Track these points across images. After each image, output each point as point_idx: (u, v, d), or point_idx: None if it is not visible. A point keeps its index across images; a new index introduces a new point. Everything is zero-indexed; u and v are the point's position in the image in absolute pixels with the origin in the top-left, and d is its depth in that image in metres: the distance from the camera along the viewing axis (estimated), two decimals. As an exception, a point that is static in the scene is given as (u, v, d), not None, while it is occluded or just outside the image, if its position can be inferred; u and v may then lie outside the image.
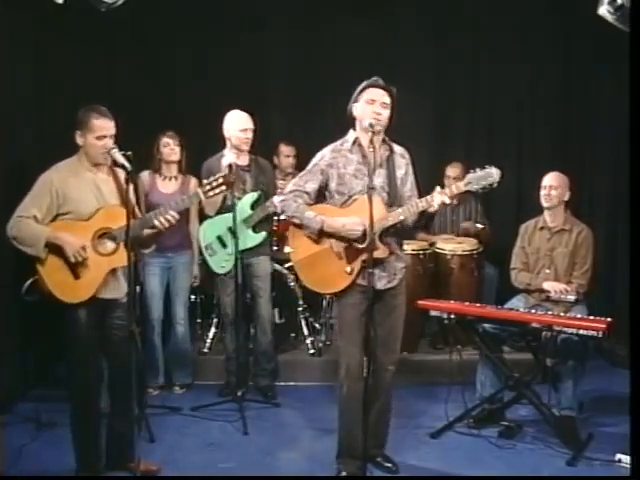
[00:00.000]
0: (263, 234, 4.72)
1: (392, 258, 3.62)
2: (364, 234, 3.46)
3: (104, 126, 3.47)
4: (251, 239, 4.70)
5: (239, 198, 4.67)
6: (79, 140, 3.51)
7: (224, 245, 4.76)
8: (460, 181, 5.39)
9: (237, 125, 4.68)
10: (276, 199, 4.26)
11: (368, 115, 3.49)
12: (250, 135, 4.70)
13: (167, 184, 4.86)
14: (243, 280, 4.77)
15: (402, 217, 3.48)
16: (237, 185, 4.66)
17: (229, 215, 4.51)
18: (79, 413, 3.59)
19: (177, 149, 4.83)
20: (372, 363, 3.55)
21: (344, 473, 3.63)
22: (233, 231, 4.47)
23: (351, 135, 3.61)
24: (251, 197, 4.70)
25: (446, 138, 6.35)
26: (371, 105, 3.50)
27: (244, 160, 4.75)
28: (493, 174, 3.42)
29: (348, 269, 3.54)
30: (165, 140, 4.82)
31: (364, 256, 3.47)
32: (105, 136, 3.46)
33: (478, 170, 3.45)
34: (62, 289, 3.46)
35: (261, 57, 6.16)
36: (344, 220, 3.50)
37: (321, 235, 3.57)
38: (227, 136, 4.72)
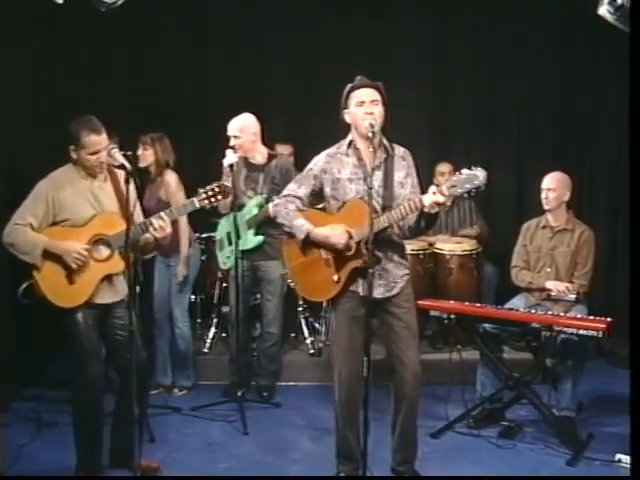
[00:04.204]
0: (260, 238, 4.68)
1: (390, 266, 3.49)
2: (349, 243, 3.40)
3: (96, 142, 3.46)
4: (249, 241, 4.68)
5: (250, 198, 4.68)
6: (73, 154, 3.51)
7: (230, 242, 4.78)
8: (445, 177, 5.42)
9: (229, 131, 4.65)
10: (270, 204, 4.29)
11: (361, 117, 3.38)
12: (237, 142, 4.61)
13: (145, 189, 4.76)
14: (252, 281, 4.79)
15: (386, 224, 3.36)
16: (249, 185, 4.67)
17: (238, 214, 4.54)
18: (80, 413, 3.59)
19: (146, 153, 4.75)
20: (393, 376, 3.53)
21: (343, 474, 3.63)
22: (235, 231, 4.48)
23: (348, 137, 3.52)
24: (257, 199, 4.67)
25: (446, 138, 6.35)
26: (361, 107, 3.39)
27: (260, 159, 4.72)
28: (478, 176, 3.21)
29: (335, 277, 3.46)
30: (139, 145, 4.74)
31: (352, 264, 3.42)
32: (98, 151, 3.47)
33: (464, 172, 3.24)
34: (56, 294, 3.47)
35: (261, 57, 6.16)
36: (327, 232, 3.41)
37: (307, 244, 3.51)
38: None
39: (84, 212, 3.51)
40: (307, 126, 6.10)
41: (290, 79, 6.23)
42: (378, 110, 3.40)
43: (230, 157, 4.48)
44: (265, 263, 4.75)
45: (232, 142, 4.61)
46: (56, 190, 3.48)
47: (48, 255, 3.45)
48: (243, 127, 4.64)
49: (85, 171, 3.55)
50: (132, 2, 4.58)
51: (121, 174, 3.43)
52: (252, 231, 4.68)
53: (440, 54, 6.22)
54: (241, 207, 4.60)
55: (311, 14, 5.99)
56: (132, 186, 3.40)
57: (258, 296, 5.08)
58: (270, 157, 4.74)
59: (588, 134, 6.01)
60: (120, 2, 4.45)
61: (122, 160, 3.28)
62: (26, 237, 3.43)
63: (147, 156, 4.76)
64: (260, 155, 4.73)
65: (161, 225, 3.52)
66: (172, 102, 6.05)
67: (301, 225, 3.47)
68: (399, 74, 6.00)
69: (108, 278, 3.56)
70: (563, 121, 6.11)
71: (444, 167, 5.66)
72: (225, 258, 4.85)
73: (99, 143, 3.47)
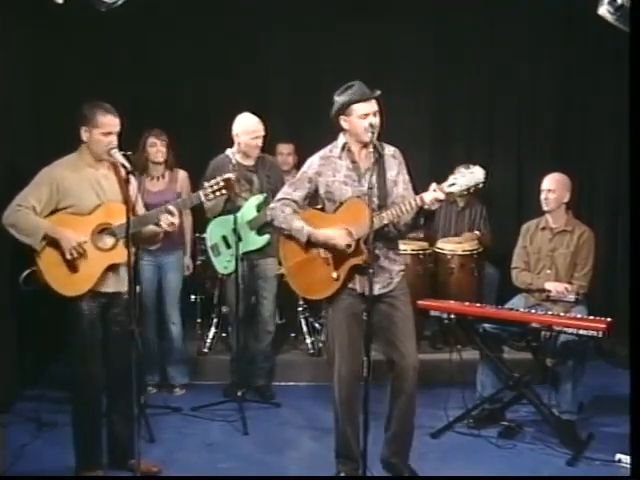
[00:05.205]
0: (266, 237, 4.68)
1: (386, 262, 3.54)
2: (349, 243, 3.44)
3: (110, 122, 3.49)
4: (254, 242, 4.68)
5: (246, 199, 4.67)
6: (84, 136, 3.52)
7: (228, 246, 4.73)
8: None
9: (248, 131, 4.63)
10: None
11: (364, 128, 3.39)
12: (260, 142, 4.67)
13: (155, 183, 4.84)
14: (248, 281, 4.78)
15: (386, 221, 3.40)
16: (243, 186, 4.67)
17: (235, 216, 4.53)
18: (80, 410, 3.60)
19: (164, 149, 4.80)
20: (391, 368, 3.55)
21: (342, 473, 3.64)
22: (236, 232, 4.47)
23: (340, 140, 3.56)
24: (257, 199, 4.67)
25: (446, 139, 6.34)
26: (364, 119, 3.41)
27: (250, 161, 4.73)
28: (477, 174, 3.29)
29: (334, 275, 3.49)
30: (152, 140, 4.78)
31: (351, 262, 3.45)
32: (111, 132, 3.49)
33: (462, 170, 3.32)
34: (60, 282, 3.47)
35: (261, 57, 6.16)
36: (330, 234, 3.45)
37: (308, 245, 3.54)
38: (237, 140, 4.67)
39: (89, 199, 3.52)
40: (307, 126, 6.09)
41: (290, 79, 6.23)
42: (378, 119, 3.45)
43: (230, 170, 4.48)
44: (263, 261, 4.76)
45: (259, 142, 4.65)
46: (61, 177, 3.49)
47: (50, 241, 3.44)
48: (262, 126, 4.67)
49: (92, 156, 3.54)
50: (132, 2, 4.57)
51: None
52: (254, 232, 4.67)
53: (440, 54, 6.21)
54: (237, 209, 4.59)
55: (311, 14, 5.99)
56: (132, 184, 3.43)
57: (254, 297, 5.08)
58: (257, 157, 4.75)
59: (588, 134, 6.01)
60: (120, 2, 4.44)
61: (122, 160, 3.31)
62: (28, 219, 3.42)
63: (164, 151, 4.81)
64: (250, 157, 4.74)
65: (171, 220, 3.56)
66: (172, 102, 6.05)
67: (301, 227, 3.50)
68: (399, 74, 6.01)
69: (112, 267, 3.57)
70: (563, 121, 6.11)
71: None
72: (226, 262, 4.74)
73: (113, 124, 3.50)
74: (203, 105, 6.11)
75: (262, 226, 4.65)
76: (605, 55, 5.71)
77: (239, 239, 4.51)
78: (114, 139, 3.48)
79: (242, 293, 4.63)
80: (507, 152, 6.22)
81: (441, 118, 6.36)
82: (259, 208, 4.66)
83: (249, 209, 4.67)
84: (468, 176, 3.29)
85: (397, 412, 3.57)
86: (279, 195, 3.66)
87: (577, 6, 5.35)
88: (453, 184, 3.31)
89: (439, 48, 6.20)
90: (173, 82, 6.08)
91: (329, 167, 3.54)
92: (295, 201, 3.57)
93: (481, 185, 3.31)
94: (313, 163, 3.59)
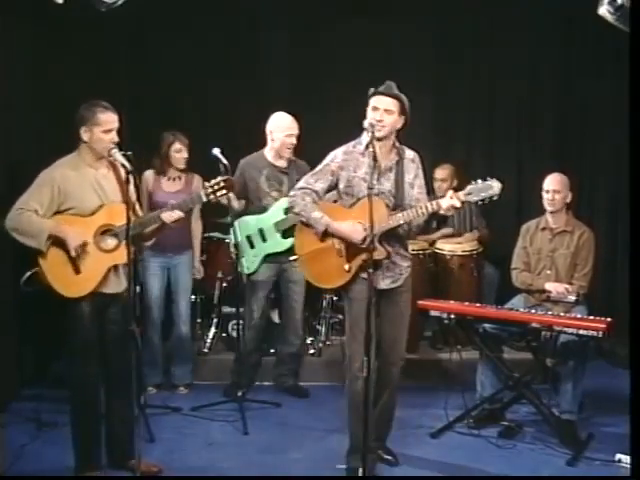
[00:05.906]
0: (291, 240, 4.65)
1: (398, 258, 3.70)
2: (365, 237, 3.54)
3: (110, 119, 3.50)
4: (278, 244, 4.68)
5: (275, 199, 4.69)
6: (84, 136, 3.51)
7: (252, 246, 4.74)
8: (446, 183, 5.53)
9: (284, 129, 4.64)
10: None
11: (369, 123, 3.54)
12: (294, 141, 4.67)
13: (171, 184, 4.87)
14: (277, 284, 4.82)
15: (402, 221, 3.55)
16: (273, 186, 4.69)
17: (262, 216, 4.58)
18: (79, 410, 3.60)
19: (187, 155, 4.84)
20: (378, 361, 3.70)
21: (360, 470, 3.62)
22: (234, 232, 4.46)
23: (364, 139, 3.64)
24: (285, 202, 4.68)
25: (446, 139, 6.34)
26: (374, 112, 3.56)
27: (282, 162, 4.73)
28: (494, 187, 3.48)
29: (347, 267, 3.63)
30: (178, 146, 4.81)
31: (364, 256, 3.53)
32: (112, 129, 3.49)
33: (479, 181, 3.50)
34: (62, 283, 3.47)
35: (261, 57, 6.16)
36: (348, 228, 3.58)
37: (325, 235, 3.66)
38: (270, 137, 4.68)
39: (90, 200, 3.52)
40: (307, 127, 6.09)
41: (290, 79, 6.23)
42: (390, 119, 3.57)
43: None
44: (291, 264, 4.72)
45: (293, 140, 4.66)
46: (62, 178, 3.48)
47: (54, 242, 3.44)
48: (297, 125, 4.67)
49: (93, 155, 3.54)
50: (132, 2, 4.57)
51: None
52: (279, 234, 4.67)
53: (440, 54, 6.21)
54: (264, 209, 4.60)
55: (311, 14, 5.98)
56: (132, 184, 3.43)
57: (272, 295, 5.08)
58: (290, 160, 4.75)
59: (588, 134, 6.01)
60: (120, 2, 4.45)
61: (122, 160, 3.31)
62: (31, 221, 3.41)
63: (187, 156, 4.85)
64: (283, 158, 4.74)
65: (173, 216, 3.60)
66: (172, 102, 6.05)
67: (320, 217, 3.62)
68: (399, 74, 5.96)
69: (115, 268, 3.59)
70: (563, 121, 6.11)
71: (443, 172, 5.64)
72: (249, 263, 4.71)
73: (112, 121, 3.51)
74: (203, 105, 6.11)
75: (287, 229, 4.64)
76: (605, 55, 5.71)
77: (263, 240, 4.64)
78: (115, 135, 3.49)
79: (265, 298, 4.76)
80: (507, 152, 6.22)
81: (441, 118, 6.35)
82: (287, 211, 4.64)
83: (277, 211, 4.67)
84: (485, 188, 3.47)
85: (381, 402, 3.73)
86: (300, 184, 3.74)
87: (577, 6, 5.34)
88: (470, 193, 3.49)
89: (439, 48, 6.20)
90: (173, 82, 6.08)
91: (351, 162, 3.65)
92: (316, 192, 3.68)
93: (495, 198, 3.49)
94: (336, 157, 3.69)
